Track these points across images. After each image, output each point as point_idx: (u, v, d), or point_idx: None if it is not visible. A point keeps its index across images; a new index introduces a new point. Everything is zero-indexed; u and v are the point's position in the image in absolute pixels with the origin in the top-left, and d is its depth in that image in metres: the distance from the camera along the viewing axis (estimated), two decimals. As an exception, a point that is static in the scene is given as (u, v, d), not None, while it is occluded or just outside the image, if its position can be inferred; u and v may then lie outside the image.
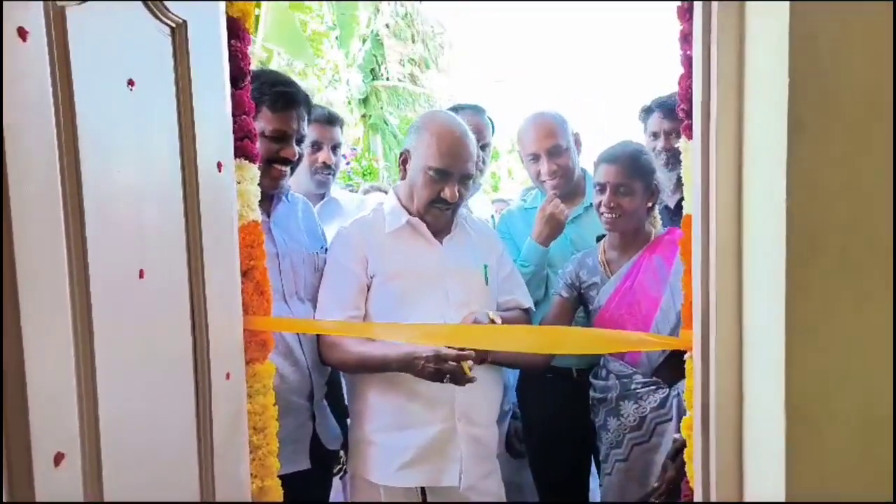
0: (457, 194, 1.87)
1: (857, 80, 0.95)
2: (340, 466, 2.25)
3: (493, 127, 2.73)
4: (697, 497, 1.34)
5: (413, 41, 12.83)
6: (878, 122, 0.96)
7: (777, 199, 0.98)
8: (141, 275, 1.01)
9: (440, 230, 1.96)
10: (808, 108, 0.96)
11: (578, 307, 2.17)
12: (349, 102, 11.93)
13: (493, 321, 1.82)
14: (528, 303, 2.08)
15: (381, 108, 12.20)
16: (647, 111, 2.54)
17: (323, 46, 11.59)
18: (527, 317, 2.08)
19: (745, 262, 1.20)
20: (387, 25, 12.34)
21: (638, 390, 1.97)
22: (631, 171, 2.02)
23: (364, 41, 12.06)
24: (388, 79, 12.41)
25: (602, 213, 2.05)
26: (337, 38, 11.58)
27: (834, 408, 0.99)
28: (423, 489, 1.88)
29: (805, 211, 0.96)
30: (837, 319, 0.98)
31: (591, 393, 2.11)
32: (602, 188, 2.04)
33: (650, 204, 2.08)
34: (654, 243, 2.08)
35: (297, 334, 1.86)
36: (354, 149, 10.33)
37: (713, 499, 1.27)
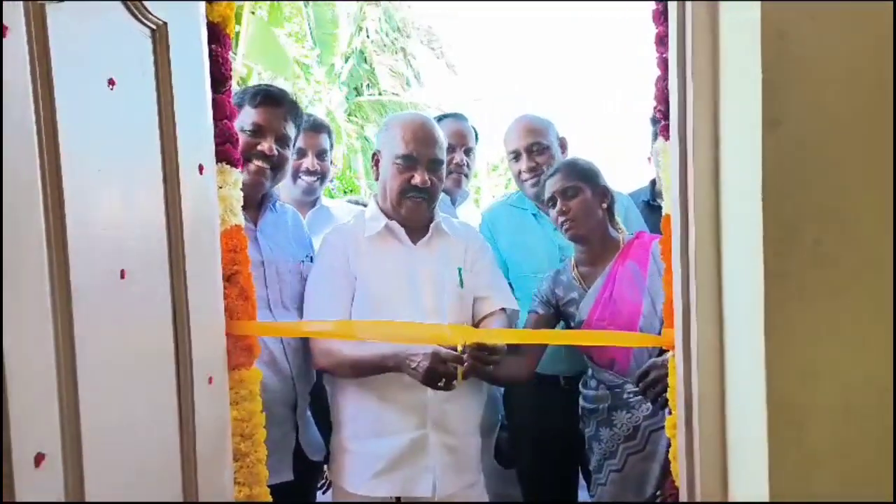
0: (427, 180, 1.87)
1: (829, 75, 0.98)
2: (325, 480, 2.22)
3: (476, 134, 2.75)
4: (682, 495, 1.34)
5: (403, 54, 12.90)
6: (850, 116, 0.98)
7: (753, 195, 1.00)
8: (122, 275, 1.01)
9: (418, 230, 1.95)
10: (782, 104, 0.98)
11: (556, 323, 2.15)
12: (332, 120, 11.93)
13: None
14: (503, 303, 1.99)
15: (364, 124, 12.21)
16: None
17: (302, 67, 11.60)
18: (506, 317, 2.00)
19: (723, 259, 1.21)
20: (371, 41, 12.37)
21: (630, 399, 1.96)
22: (571, 175, 2.06)
23: (347, 59, 12.09)
24: (379, 93, 12.43)
25: (561, 224, 2.06)
26: (318, 56, 11.60)
27: (813, 399, 1.00)
28: (398, 500, 1.84)
29: (779, 204, 0.98)
30: (814, 312, 0.99)
31: (582, 403, 2.10)
32: (553, 201, 2.07)
33: (604, 205, 2.09)
34: (625, 250, 2.07)
35: (282, 343, 1.85)
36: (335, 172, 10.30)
37: (698, 497, 1.27)
